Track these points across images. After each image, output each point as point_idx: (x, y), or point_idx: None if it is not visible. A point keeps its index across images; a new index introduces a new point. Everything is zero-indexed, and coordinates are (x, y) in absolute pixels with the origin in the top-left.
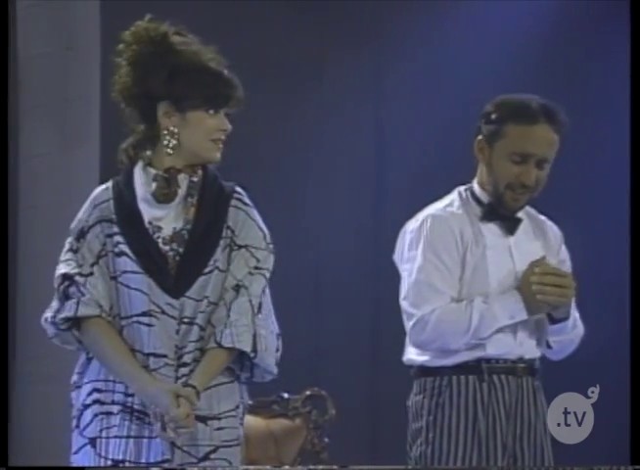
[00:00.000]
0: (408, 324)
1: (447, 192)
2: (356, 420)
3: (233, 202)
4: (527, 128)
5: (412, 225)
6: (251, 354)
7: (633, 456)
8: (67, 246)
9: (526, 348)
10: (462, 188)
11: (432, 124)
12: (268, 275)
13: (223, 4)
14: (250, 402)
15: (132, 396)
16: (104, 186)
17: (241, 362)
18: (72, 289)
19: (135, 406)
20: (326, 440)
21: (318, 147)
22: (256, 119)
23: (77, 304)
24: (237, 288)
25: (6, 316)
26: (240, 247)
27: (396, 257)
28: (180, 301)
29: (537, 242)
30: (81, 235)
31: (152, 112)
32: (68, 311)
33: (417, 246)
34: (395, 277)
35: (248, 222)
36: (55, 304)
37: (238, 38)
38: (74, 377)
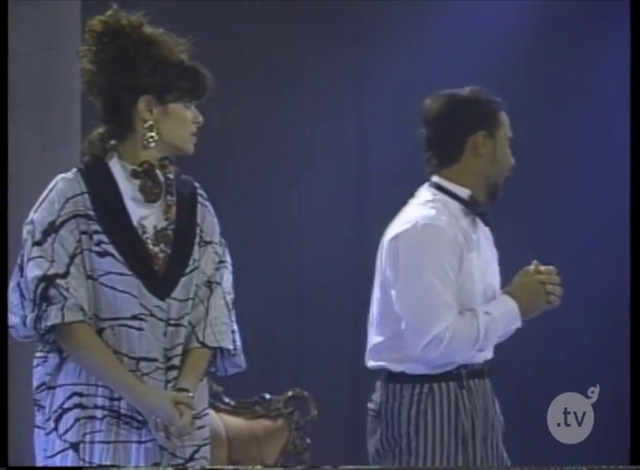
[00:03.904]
0: (416, 339)
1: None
2: (338, 421)
3: (199, 198)
4: (505, 113)
5: (404, 234)
6: (233, 352)
7: (633, 456)
8: (29, 239)
9: (489, 349)
10: (431, 189)
11: (414, 125)
12: (231, 269)
13: (204, 4)
14: (232, 403)
15: (118, 400)
16: (68, 176)
17: (214, 358)
18: (53, 292)
19: (122, 411)
20: (308, 440)
21: (300, 148)
22: (237, 121)
23: (62, 309)
24: (209, 284)
25: (6, 317)
26: (206, 243)
27: (386, 263)
28: (167, 302)
29: (490, 244)
30: (52, 229)
31: (129, 104)
32: (55, 318)
33: (419, 258)
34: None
35: (210, 218)
36: (29, 305)
37: (218, 39)
38: (45, 378)
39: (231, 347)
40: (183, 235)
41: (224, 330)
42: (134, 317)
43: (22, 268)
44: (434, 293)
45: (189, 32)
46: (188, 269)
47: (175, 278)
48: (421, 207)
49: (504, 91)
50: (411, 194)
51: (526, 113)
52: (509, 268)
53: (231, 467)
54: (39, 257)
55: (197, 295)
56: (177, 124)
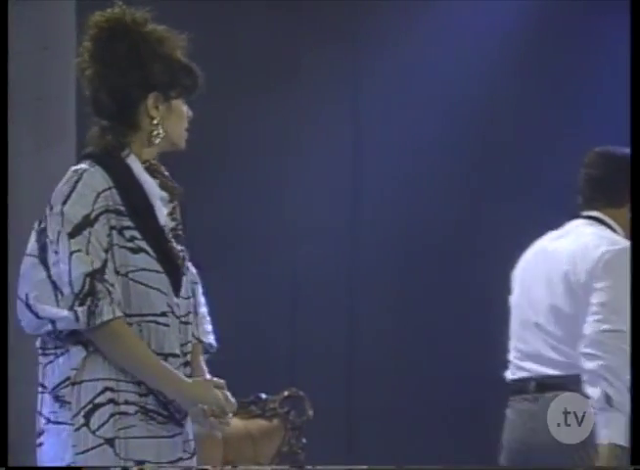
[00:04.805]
0: (600, 324)
1: (427, 192)
2: (334, 421)
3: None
4: None
5: (616, 252)
6: (212, 350)
7: (633, 456)
8: (61, 231)
9: None
10: (595, 224)
11: (409, 124)
12: None
13: (199, 2)
14: None
15: (146, 396)
16: (90, 170)
17: None
18: (100, 287)
19: (149, 407)
20: (304, 440)
21: (295, 147)
22: (231, 119)
23: (111, 304)
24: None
25: (6, 317)
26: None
27: (596, 272)
28: (179, 300)
29: None
30: (87, 223)
31: (138, 101)
32: (108, 314)
33: (625, 274)
34: (372, 277)
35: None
36: (68, 299)
37: (214, 37)
38: (70, 373)
39: (215, 344)
40: (185, 233)
41: (208, 327)
42: (163, 314)
43: (44, 261)
44: (624, 299)
45: (184, 30)
46: (185, 268)
47: (183, 276)
48: (609, 233)
49: (500, 90)
50: (405, 192)
51: (523, 112)
52: (510, 267)
53: (229, 467)
54: (79, 250)
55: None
56: (178, 121)
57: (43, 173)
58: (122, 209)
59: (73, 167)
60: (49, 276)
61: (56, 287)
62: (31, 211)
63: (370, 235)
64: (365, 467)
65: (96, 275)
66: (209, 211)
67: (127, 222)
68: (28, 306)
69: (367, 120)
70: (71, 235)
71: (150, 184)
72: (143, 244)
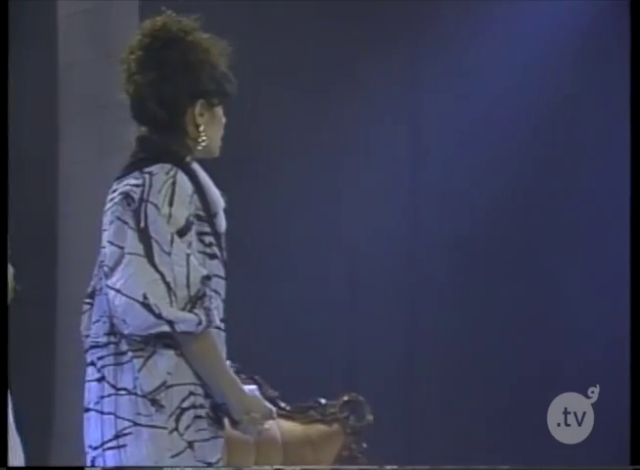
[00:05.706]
0: None
1: (481, 194)
2: (394, 425)
3: None
4: None
5: None
6: None
7: (633, 456)
8: (172, 231)
9: None
10: None
11: (467, 126)
12: None
13: (258, 4)
14: (287, 408)
15: (205, 398)
16: (180, 171)
17: None
18: (207, 291)
19: (207, 410)
20: (364, 445)
21: (352, 150)
22: (289, 121)
23: (217, 309)
24: None
25: (6, 318)
26: None
27: None
28: None
29: None
30: (187, 227)
31: (186, 108)
32: (217, 319)
33: None
34: (432, 279)
35: None
36: (181, 302)
37: (271, 39)
38: (166, 377)
39: None
40: None
41: None
42: (222, 320)
43: (152, 262)
44: None
45: (241, 35)
46: None
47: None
48: None
49: (561, 92)
50: (463, 194)
51: (586, 114)
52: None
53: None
54: (190, 254)
55: None
56: (218, 128)
57: (102, 180)
58: (203, 214)
59: (161, 169)
60: (162, 278)
61: (169, 288)
62: (90, 218)
63: (427, 236)
64: (428, 467)
65: (205, 280)
66: (269, 213)
67: (206, 228)
68: (147, 306)
69: (425, 121)
70: (181, 238)
71: (214, 191)
72: (216, 250)
